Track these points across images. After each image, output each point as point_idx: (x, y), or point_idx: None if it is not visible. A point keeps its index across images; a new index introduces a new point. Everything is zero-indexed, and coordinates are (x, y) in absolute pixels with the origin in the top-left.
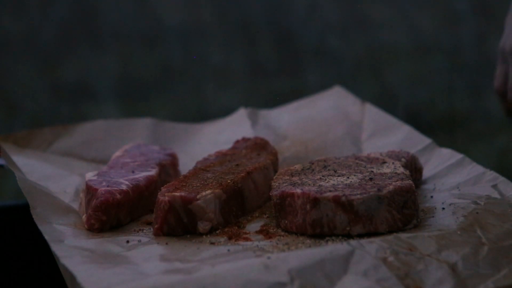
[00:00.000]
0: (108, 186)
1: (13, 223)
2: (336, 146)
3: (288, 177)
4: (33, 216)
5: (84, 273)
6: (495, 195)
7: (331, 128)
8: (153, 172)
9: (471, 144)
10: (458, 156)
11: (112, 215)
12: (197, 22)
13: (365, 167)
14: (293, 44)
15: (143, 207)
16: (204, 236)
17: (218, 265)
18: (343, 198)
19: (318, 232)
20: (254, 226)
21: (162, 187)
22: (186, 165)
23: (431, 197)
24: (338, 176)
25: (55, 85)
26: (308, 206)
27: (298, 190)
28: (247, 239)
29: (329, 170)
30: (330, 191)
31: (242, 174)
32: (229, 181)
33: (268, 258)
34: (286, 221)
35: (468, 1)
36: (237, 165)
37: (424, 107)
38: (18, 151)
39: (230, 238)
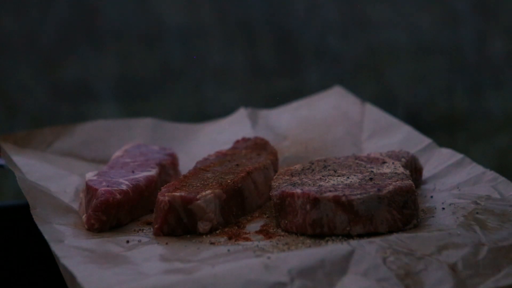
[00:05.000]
0: (108, 186)
1: (13, 223)
2: (336, 146)
3: (288, 177)
4: (33, 216)
5: (84, 273)
6: (495, 195)
7: (331, 128)
8: (153, 172)
9: (471, 144)
10: (458, 156)
11: (112, 215)
12: (197, 22)
13: (365, 167)
14: (293, 44)
15: (143, 207)
16: (204, 236)
17: (218, 265)
18: (343, 198)
19: (318, 232)
20: (254, 226)
21: (162, 187)
22: (186, 165)
23: (431, 197)
24: (338, 176)
25: (55, 85)
26: (308, 206)
27: (298, 190)
28: (247, 239)
29: (329, 170)
30: (330, 191)
31: (242, 174)
32: (229, 181)
33: (268, 258)
34: (286, 221)
35: (468, 1)
36: (237, 165)
37: (424, 107)
38: (18, 151)
39: (230, 238)
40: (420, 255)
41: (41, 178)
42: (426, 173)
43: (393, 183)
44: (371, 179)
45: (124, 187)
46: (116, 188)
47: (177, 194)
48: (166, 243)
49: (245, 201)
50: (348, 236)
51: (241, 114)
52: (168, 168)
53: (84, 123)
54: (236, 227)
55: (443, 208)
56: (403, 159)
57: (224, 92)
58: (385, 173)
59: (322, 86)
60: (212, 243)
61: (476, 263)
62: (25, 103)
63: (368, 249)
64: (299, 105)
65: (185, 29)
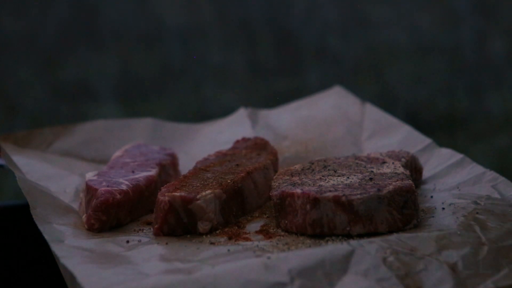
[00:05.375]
0: (108, 186)
1: (13, 223)
2: (336, 146)
3: (288, 177)
4: (33, 216)
5: (84, 273)
6: (495, 195)
7: (331, 128)
8: (153, 172)
9: (471, 144)
10: (458, 156)
11: (112, 215)
12: (197, 22)
13: (365, 167)
14: (293, 44)
15: (143, 207)
16: (204, 236)
17: (218, 265)
18: (343, 198)
19: (318, 232)
20: (254, 226)
21: (162, 187)
22: (186, 165)
23: (431, 197)
24: (338, 176)
25: (55, 85)
26: (308, 206)
27: (298, 190)
28: (247, 239)
29: (329, 170)
30: (330, 191)
31: (242, 174)
32: (229, 181)
33: (268, 258)
34: (286, 221)
35: (468, 1)
36: (237, 165)
37: (424, 107)
38: (18, 151)
39: (230, 238)
40: (420, 255)
41: (41, 178)
42: (426, 173)
43: (393, 183)
44: (371, 179)
45: (124, 187)
46: (116, 188)
47: (177, 194)
48: (166, 243)
49: (245, 201)
50: (348, 236)
51: (241, 114)
52: (168, 168)
53: (84, 123)
54: (236, 227)
55: (443, 208)
56: (403, 159)
57: (224, 92)
58: (385, 173)
59: (322, 86)
60: (212, 243)
61: (476, 263)
62: (25, 103)
63: (368, 249)
64: (299, 105)
65: (185, 29)
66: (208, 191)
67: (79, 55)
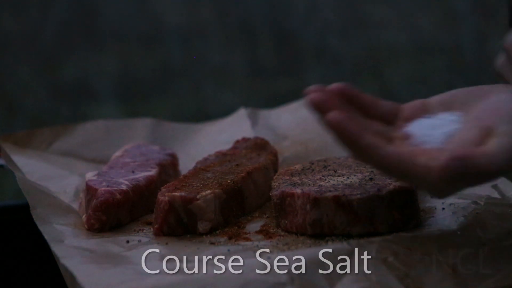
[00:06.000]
0: (108, 186)
1: (13, 223)
2: (336, 146)
3: (288, 177)
4: (33, 216)
5: (84, 273)
6: (495, 195)
7: None
8: (153, 172)
9: None
10: None
11: (112, 215)
12: (197, 22)
13: (365, 167)
14: (293, 44)
15: (143, 207)
16: (204, 236)
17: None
18: (343, 198)
19: (318, 232)
20: (254, 226)
21: (162, 187)
22: (186, 165)
23: (431, 197)
24: (338, 176)
25: (55, 85)
26: (308, 206)
27: (298, 190)
28: (247, 239)
29: (329, 170)
30: (330, 191)
31: (242, 174)
32: (229, 181)
33: (268, 258)
34: (286, 221)
35: (468, 1)
36: (237, 165)
37: None
38: (18, 151)
39: (230, 238)
40: (420, 255)
41: (41, 178)
42: None
43: (393, 183)
44: (371, 179)
45: (124, 187)
46: (116, 188)
47: (177, 194)
48: (166, 243)
49: (245, 201)
50: (348, 236)
51: (241, 114)
52: (168, 168)
53: (84, 123)
54: (236, 227)
55: (443, 208)
56: None
57: (224, 92)
58: None
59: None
60: (212, 243)
61: (476, 263)
62: (25, 103)
63: (368, 249)
64: (299, 105)
65: (185, 29)
66: (208, 191)
67: (79, 55)
